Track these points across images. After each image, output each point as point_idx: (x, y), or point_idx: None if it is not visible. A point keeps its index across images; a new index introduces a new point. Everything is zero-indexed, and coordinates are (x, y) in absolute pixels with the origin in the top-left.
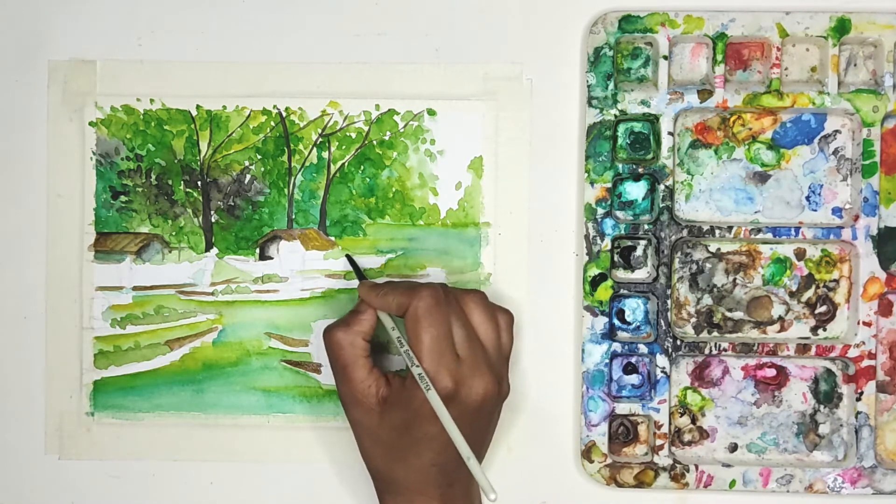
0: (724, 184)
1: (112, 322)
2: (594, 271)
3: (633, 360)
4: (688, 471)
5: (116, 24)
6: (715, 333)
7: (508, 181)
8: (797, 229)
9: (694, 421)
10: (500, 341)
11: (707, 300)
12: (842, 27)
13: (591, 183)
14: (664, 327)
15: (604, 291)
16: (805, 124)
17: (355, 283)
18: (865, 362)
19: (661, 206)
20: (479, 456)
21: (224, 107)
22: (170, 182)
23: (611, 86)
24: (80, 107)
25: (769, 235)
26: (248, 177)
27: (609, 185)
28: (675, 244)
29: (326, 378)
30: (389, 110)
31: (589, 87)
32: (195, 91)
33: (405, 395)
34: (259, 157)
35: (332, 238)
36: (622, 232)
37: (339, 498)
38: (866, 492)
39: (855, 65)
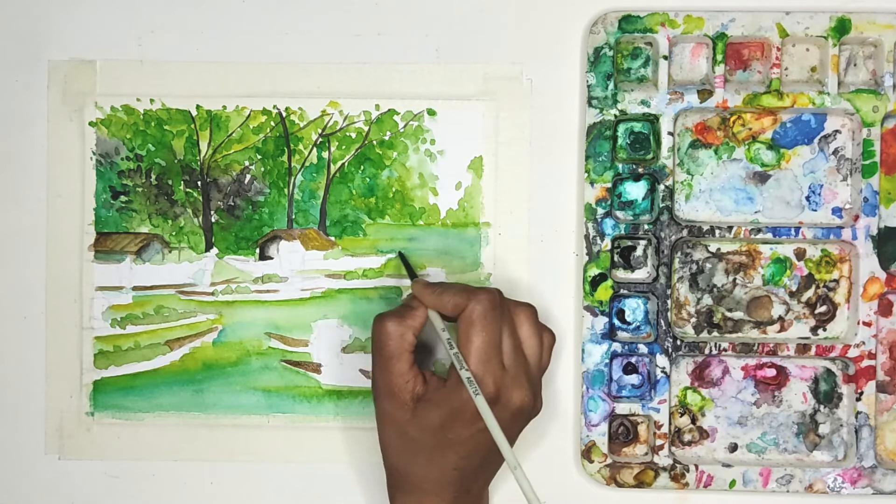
0: (724, 184)
1: (112, 322)
2: (594, 271)
3: (633, 360)
4: (688, 471)
5: (116, 24)
6: (715, 333)
7: (508, 181)
8: (797, 229)
9: (694, 421)
10: (540, 358)
11: (707, 300)
12: (842, 27)
13: (591, 183)
14: (664, 327)
15: (604, 291)
16: (805, 124)
17: (356, 283)
18: (865, 362)
19: (661, 206)
20: (497, 465)
21: (224, 107)
22: (170, 182)
23: (611, 86)
24: (80, 107)
25: (769, 235)
26: (248, 177)
27: (609, 185)
28: (675, 244)
29: (326, 378)
30: (389, 110)
31: (589, 87)
32: (195, 91)
33: (444, 396)
34: (259, 157)
35: (332, 238)
36: (622, 232)
37: (339, 498)
38: (866, 492)
39: (855, 65)
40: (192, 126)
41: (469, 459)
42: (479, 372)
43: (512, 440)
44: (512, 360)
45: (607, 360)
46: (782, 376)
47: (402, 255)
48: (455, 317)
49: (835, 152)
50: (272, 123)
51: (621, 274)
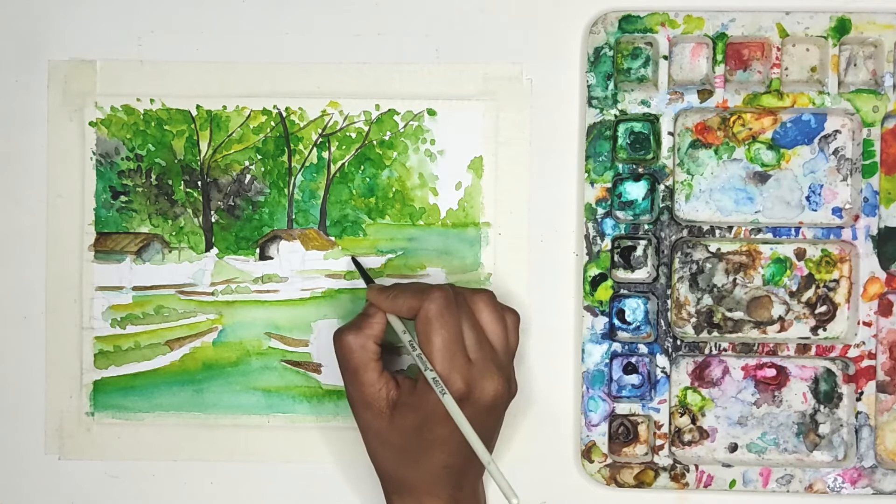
0: (724, 184)
1: (112, 322)
2: (594, 271)
3: (633, 360)
4: (688, 471)
5: (116, 24)
6: (715, 333)
7: (508, 181)
8: (797, 229)
9: (694, 421)
10: (507, 341)
11: (707, 300)
12: (842, 27)
13: (591, 183)
14: (664, 327)
15: (604, 291)
16: (805, 124)
17: (356, 283)
18: (865, 362)
19: (661, 206)
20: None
21: (224, 107)
22: (170, 182)
23: (611, 86)
24: (80, 107)
25: (769, 235)
26: (248, 177)
27: (609, 185)
28: (675, 244)
29: (326, 378)
30: (389, 110)
31: (589, 87)
32: (195, 91)
33: (416, 398)
34: (259, 157)
35: (332, 238)
36: (622, 232)
37: (339, 498)
38: (866, 492)
39: (855, 65)
40: (192, 126)
41: (455, 456)
42: (445, 370)
43: (495, 429)
44: (477, 352)
45: (607, 360)
46: (782, 376)
47: (354, 260)
48: (413, 318)
49: (835, 152)
50: (272, 123)
51: (621, 274)
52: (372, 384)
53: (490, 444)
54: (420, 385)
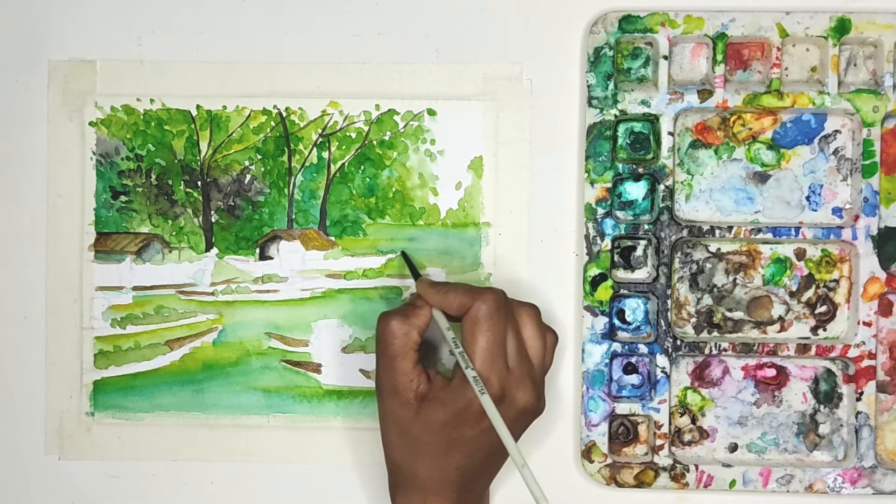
0: (724, 184)
1: (112, 322)
2: (594, 271)
3: (633, 360)
4: (688, 471)
5: (116, 24)
6: (715, 333)
7: (508, 181)
8: (797, 229)
9: (694, 421)
10: (544, 359)
11: (707, 300)
12: (842, 27)
13: (591, 183)
14: (664, 327)
15: (604, 291)
16: (805, 124)
17: (356, 283)
18: (865, 362)
19: (661, 206)
20: (499, 465)
21: (224, 107)
22: (170, 182)
23: (611, 86)
24: (80, 107)
25: (769, 235)
26: (248, 177)
27: (609, 185)
28: (675, 244)
29: (326, 378)
30: (389, 110)
31: (589, 87)
32: (195, 91)
33: (448, 395)
34: (259, 157)
35: (332, 238)
36: (622, 232)
37: (339, 498)
38: (866, 492)
39: (855, 65)
40: (192, 126)
41: (471, 459)
42: (485, 372)
43: (515, 440)
44: (516, 361)
45: (607, 360)
46: (782, 376)
47: (405, 255)
48: (459, 316)
49: (835, 152)
50: (272, 123)
51: (621, 274)
52: (406, 373)
53: (505, 455)
54: (454, 382)
